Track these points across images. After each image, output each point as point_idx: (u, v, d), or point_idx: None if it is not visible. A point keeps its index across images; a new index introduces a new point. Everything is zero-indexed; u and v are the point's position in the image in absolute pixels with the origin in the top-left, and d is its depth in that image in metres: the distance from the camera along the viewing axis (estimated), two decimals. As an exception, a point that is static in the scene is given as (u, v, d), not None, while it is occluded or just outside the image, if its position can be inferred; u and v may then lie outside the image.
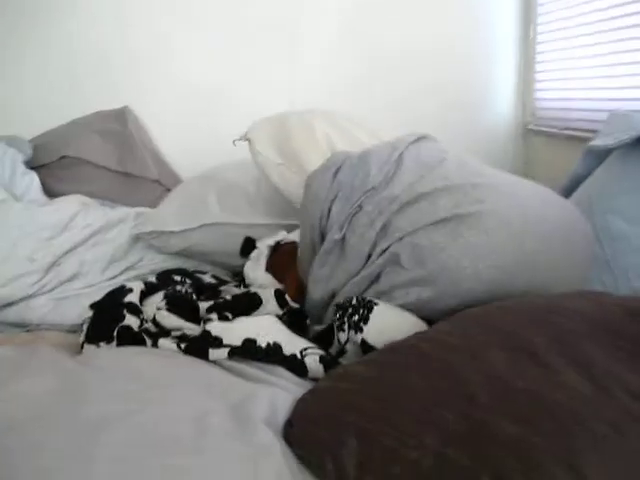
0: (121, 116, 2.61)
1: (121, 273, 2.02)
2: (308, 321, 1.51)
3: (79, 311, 1.84)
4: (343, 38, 2.79)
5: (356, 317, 1.28)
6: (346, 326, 1.29)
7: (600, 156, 1.87)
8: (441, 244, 1.31)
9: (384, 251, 1.38)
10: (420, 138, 1.58)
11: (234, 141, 1.87)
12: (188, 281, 1.86)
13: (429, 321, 1.28)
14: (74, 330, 1.79)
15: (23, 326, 1.85)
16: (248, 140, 1.88)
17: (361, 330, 1.26)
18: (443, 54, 2.85)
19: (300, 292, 1.66)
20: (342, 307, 1.33)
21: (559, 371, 0.91)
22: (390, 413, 0.92)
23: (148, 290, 1.69)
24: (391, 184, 1.43)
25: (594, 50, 2.41)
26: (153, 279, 1.81)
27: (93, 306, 1.60)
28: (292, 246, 1.79)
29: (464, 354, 0.99)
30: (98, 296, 1.82)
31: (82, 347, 1.48)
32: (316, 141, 1.76)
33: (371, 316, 1.27)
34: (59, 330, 1.81)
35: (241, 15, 2.75)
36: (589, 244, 1.48)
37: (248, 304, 1.52)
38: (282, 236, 1.88)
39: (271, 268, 1.82)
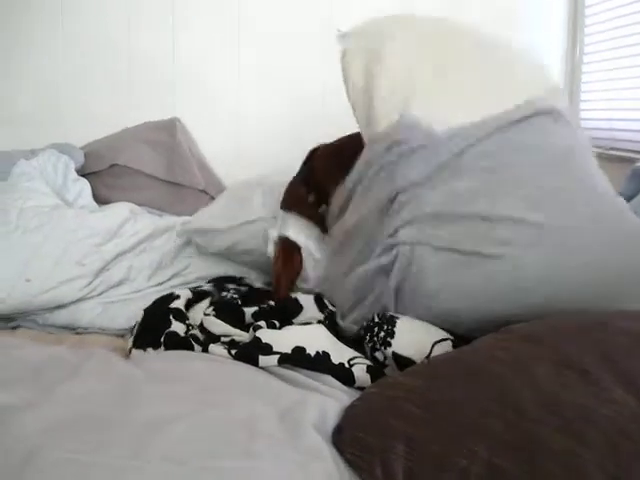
0: (170, 127, 2.67)
1: (168, 280, 2.05)
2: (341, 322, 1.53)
3: (127, 315, 1.88)
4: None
5: (382, 334, 1.32)
6: (377, 345, 1.32)
7: (646, 177, 1.86)
8: (431, 270, 1.35)
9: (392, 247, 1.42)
10: (538, 113, 1.50)
11: (337, 30, 1.73)
12: (240, 288, 1.89)
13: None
14: (121, 334, 1.83)
15: (72, 328, 1.89)
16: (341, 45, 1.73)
17: (389, 344, 1.30)
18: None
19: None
20: (367, 328, 1.37)
21: (607, 388, 0.91)
22: (439, 421, 0.93)
23: (196, 298, 1.72)
24: (427, 189, 1.42)
25: (640, 70, 2.40)
26: (206, 286, 1.84)
27: (145, 311, 1.64)
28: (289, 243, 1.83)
29: (512, 367, 1.00)
30: (145, 301, 1.87)
31: (130, 352, 1.51)
32: (395, 88, 1.54)
33: (396, 329, 1.31)
34: (107, 334, 1.85)
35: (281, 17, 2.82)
36: None
37: (290, 309, 1.55)
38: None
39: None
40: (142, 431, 0.94)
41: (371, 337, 1.34)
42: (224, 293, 1.76)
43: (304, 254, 1.82)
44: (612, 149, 2.53)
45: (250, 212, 2.02)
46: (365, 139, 1.59)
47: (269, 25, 2.81)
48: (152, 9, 2.78)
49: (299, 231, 1.84)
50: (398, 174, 1.45)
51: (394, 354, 1.28)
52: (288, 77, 2.81)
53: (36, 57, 2.81)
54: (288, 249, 1.83)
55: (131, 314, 1.88)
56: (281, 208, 1.88)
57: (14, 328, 1.88)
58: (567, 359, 0.99)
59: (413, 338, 1.30)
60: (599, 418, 0.86)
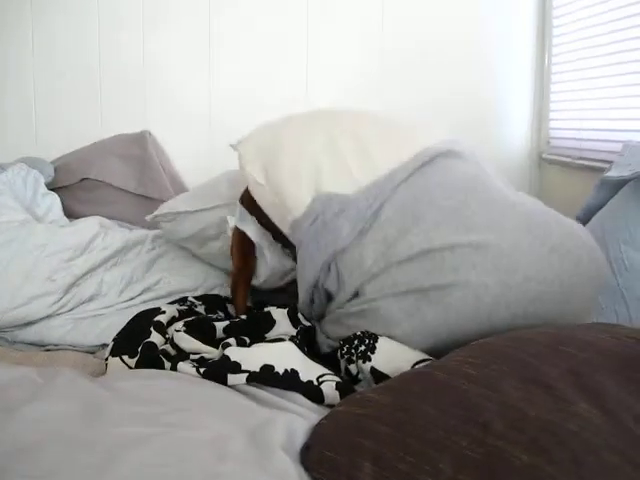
0: (141, 139, 2.67)
1: (139, 294, 2.04)
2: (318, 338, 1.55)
3: (97, 331, 1.89)
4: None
5: (363, 347, 1.34)
6: (354, 357, 1.34)
7: (615, 187, 1.89)
8: (397, 319, 1.38)
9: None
10: (437, 156, 1.57)
11: (230, 145, 1.81)
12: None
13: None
14: (92, 351, 1.83)
15: (42, 345, 1.88)
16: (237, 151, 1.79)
17: (369, 359, 1.32)
18: (459, 82, 2.88)
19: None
20: (347, 340, 1.39)
21: (572, 401, 0.92)
22: (406, 438, 0.94)
23: (181, 315, 1.71)
24: (361, 247, 1.45)
25: (609, 81, 2.42)
26: (199, 307, 1.85)
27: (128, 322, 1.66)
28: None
29: (478, 383, 1.01)
30: (116, 317, 1.89)
31: (106, 360, 1.53)
32: (299, 176, 1.59)
33: (377, 345, 1.34)
34: (77, 350, 1.83)
35: (254, 29, 2.82)
36: (600, 274, 1.49)
37: (262, 324, 1.56)
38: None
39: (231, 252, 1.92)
40: (109, 452, 0.93)
41: (349, 349, 1.35)
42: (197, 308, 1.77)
43: (257, 252, 1.87)
44: (580, 159, 2.56)
45: (217, 198, 2.05)
46: (285, 230, 1.63)
47: (241, 33, 2.80)
48: (123, 21, 2.78)
49: (254, 229, 1.85)
50: (329, 240, 1.48)
51: (372, 369, 1.29)
52: (262, 87, 2.81)
53: (7, 71, 2.79)
54: (242, 242, 1.87)
55: (102, 330, 1.88)
56: (240, 202, 1.89)
57: (-18, 345, 1.86)
58: (533, 374, 1.00)
59: (394, 356, 1.32)
60: (564, 433, 0.86)
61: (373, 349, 1.32)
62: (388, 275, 1.41)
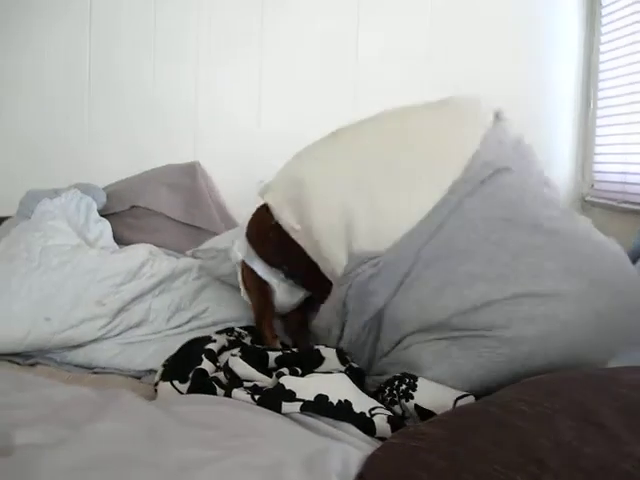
0: (191, 170, 2.72)
1: (186, 322, 2.07)
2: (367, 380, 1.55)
3: (144, 357, 1.91)
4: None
5: (404, 386, 1.35)
6: (397, 397, 1.35)
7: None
8: (427, 362, 1.39)
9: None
10: (473, 190, 1.51)
11: (258, 194, 1.75)
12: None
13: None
14: (138, 376, 1.86)
15: (89, 368, 1.91)
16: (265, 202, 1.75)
17: (412, 397, 1.32)
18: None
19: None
20: (388, 382, 1.40)
21: (626, 441, 0.93)
22: (461, 472, 0.94)
23: (230, 345, 1.75)
24: (395, 308, 1.47)
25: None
26: (246, 338, 1.88)
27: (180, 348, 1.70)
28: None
29: (532, 420, 1.01)
30: (163, 343, 1.92)
31: (156, 385, 1.56)
32: (332, 231, 1.55)
33: (418, 383, 1.35)
34: (124, 375, 1.86)
35: (303, 65, 2.88)
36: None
37: (313, 360, 1.57)
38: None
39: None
40: (171, 474, 0.95)
41: (390, 390, 1.36)
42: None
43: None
44: (625, 202, 2.56)
45: None
46: (326, 274, 1.64)
47: (290, 68, 2.87)
48: (176, 56, 2.86)
49: (262, 268, 1.88)
50: (365, 303, 1.50)
51: (417, 407, 1.30)
52: (309, 121, 2.84)
53: (66, 100, 2.88)
54: (255, 275, 1.88)
55: (149, 356, 1.91)
56: (247, 239, 1.91)
57: (32, 365, 1.89)
58: (586, 413, 1.01)
59: (435, 393, 1.33)
60: (619, 473, 0.87)
61: (414, 387, 1.34)
62: (423, 331, 1.43)
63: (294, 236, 1.65)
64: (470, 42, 2.85)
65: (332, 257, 1.57)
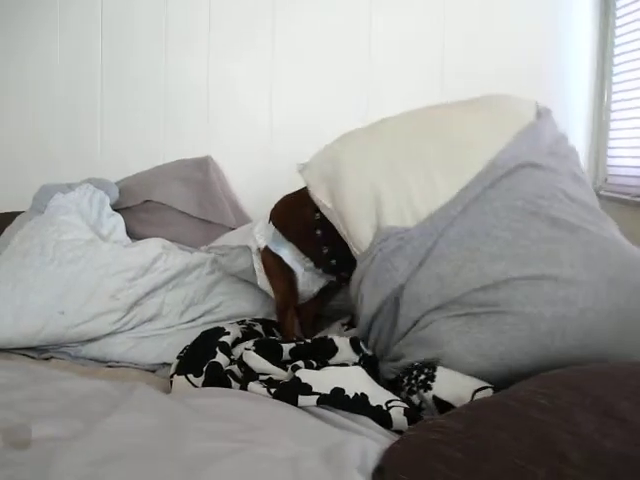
0: (203, 165, 2.72)
1: (200, 316, 2.08)
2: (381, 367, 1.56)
3: (158, 351, 1.92)
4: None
5: (422, 376, 1.35)
6: (415, 387, 1.35)
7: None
8: (447, 337, 1.40)
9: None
10: (498, 178, 1.55)
11: (298, 170, 1.79)
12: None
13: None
14: (153, 370, 1.86)
15: (104, 362, 1.92)
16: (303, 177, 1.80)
17: (430, 387, 1.32)
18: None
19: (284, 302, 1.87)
20: (406, 371, 1.40)
21: (647, 435, 0.93)
22: (481, 466, 0.94)
23: (244, 337, 1.75)
24: (417, 283, 1.48)
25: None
26: (257, 327, 1.88)
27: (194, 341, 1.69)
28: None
29: (552, 414, 1.01)
30: (176, 338, 1.92)
31: (171, 378, 1.57)
32: (361, 209, 1.60)
33: (436, 373, 1.34)
34: (138, 368, 1.87)
35: (315, 57, 2.86)
36: None
37: (326, 350, 1.57)
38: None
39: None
40: (190, 466, 0.95)
41: (409, 380, 1.36)
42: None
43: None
44: (638, 196, 2.54)
45: None
46: (352, 250, 1.66)
47: (302, 61, 2.85)
48: (188, 47, 2.85)
49: (289, 254, 1.90)
50: (386, 278, 1.51)
51: (435, 398, 1.30)
52: (322, 114, 2.85)
53: (78, 94, 2.89)
54: (279, 264, 1.90)
55: (162, 349, 1.91)
56: (273, 223, 1.92)
57: (47, 359, 1.91)
58: (606, 406, 1.01)
59: (454, 384, 1.32)
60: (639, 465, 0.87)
61: (433, 377, 1.33)
62: (443, 308, 1.44)
63: (325, 213, 1.70)
64: (484, 37, 2.83)
65: (359, 233, 1.60)
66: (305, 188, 1.78)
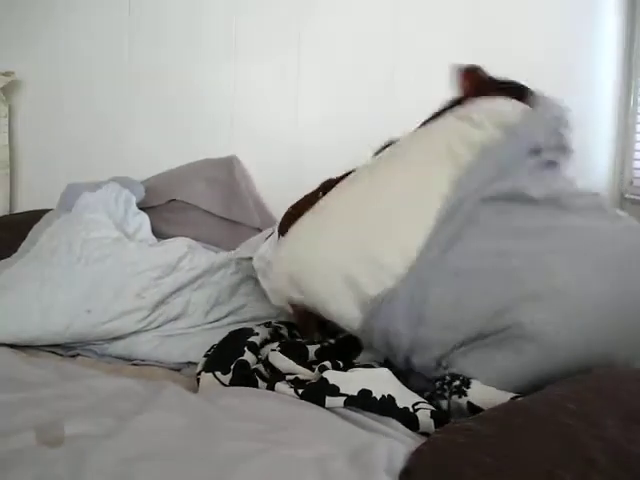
0: (228, 164, 2.72)
1: (224, 317, 2.09)
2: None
3: (183, 350, 1.92)
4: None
5: (457, 382, 1.34)
6: (447, 393, 1.34)
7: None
8: (474, 373, 1.36)
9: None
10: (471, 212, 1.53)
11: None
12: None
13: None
14: (178, 368, 1.87)
15: (129, 360, 1.93)
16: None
17: (465, 394, 1.31)
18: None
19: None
20: (440, 378, 1.39)
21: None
22: (509, 470, 0.94)
23: (272, 338, 1.76)
24: (424, 339, 1.45)
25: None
26: (283, 330, 1.88)
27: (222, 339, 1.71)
28: None
29: (581, 419, 1.01)
30: (201, 337, 1.93)
31: (198, 375, 1.57)
32: (334, 288, 1.55)
33: (472, 381, 1.33)
34: (163, 367, 1.88)
35: (341, 62, 2.86)
36: None
37: (351, 349, 1.58)
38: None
39: None
40: (219, 466, 0.96)
41: (442, 385, 1.36)
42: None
43: None
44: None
45: None
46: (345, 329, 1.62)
47: (328, 62, 2.86)
48: (212, 46, 2.86)
49: None
50: (395, 344, 1.47)
51: (469, 404, 1.29)
52: (348, 114, 2.85)
53: (100, 93, 2.91)
54: None
55: (187, 348, 1.92)
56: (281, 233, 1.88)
57: (73, 356, 1.92)
58: (632, 411, 1.01)
59: (489, 391, 1.31)
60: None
61: (468, 384, 1.32)
62: (459, 346, 1.42)
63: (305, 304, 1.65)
64: (509, 41, 2.82)
65: (345, 317, 1.55)
66: (309, 194, 1.80)
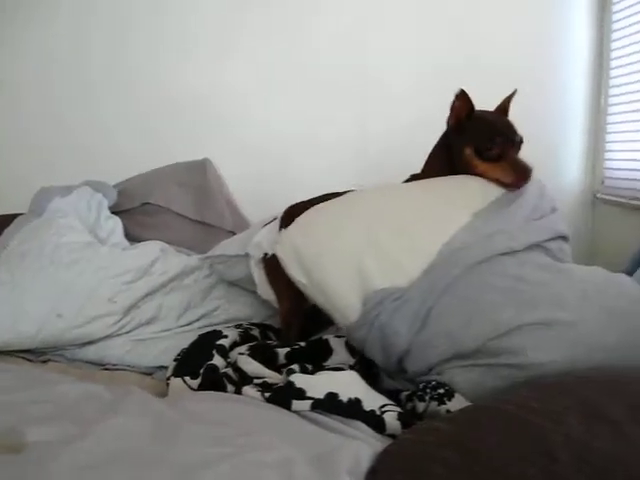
0: (201, 167, 2.71)
1: (196, 320, 2.08)
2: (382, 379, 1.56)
3: (155, 354, 1.92)
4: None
5: (442, 390, 1.34)
6: (427, 397, 1.34)
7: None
8: (462, 390, 1.37)
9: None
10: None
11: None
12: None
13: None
14: (149, 372, 1.86)
15: (100, 364, 1.92)
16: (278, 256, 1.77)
17: (444, 403, 1.31)
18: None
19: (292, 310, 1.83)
20: (425, 380, 1.40)
21: (635, 436, 0.94)
22: (474, 465, 0.95)
23: (242, 340, 1.75)
24: (424, 345, 1.46)
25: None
26: (254, 330, 1.88)
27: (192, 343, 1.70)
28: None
29: (544, 417, 1.02)
30: (174, 341, 1.92)
31: (168, 380, 1.57)
32: (345, 281, 1.58)
33: (456, 395, 1.34)
34: (135, 371, 1.87)
35: (314, 75, 2.89)
36: None
37: (321, 352, 1.58)
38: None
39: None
40: (183, 471, 0.96)
41: (424, 388, 1.36)
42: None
43: None
44: (635, 199, 2.55)
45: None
46: (339, 325, 1.65)
47: (299, 67, 2.88)
48: (189, 52, 2.87)
49: None
50: (390, 343, 1.49)
51: (448, 412, 1.29)
52: (319, 121, 2.86)
53: (80, 99, 2.90)
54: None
55: (159, 352, 1.91)
56: (283, 226, 1.88)
57: (44, 362, 1.91)
58: (597, 411, 1.02)
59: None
60: (629, 465, 0.89)
61: (451, 395, 1.33)
62: (455, 360, 1.43)
63: (302, 288, 1.69)
64: (480, 45, 2.85)
65: (345, 304, 1.57)
66: (318, 197, 1.81)
